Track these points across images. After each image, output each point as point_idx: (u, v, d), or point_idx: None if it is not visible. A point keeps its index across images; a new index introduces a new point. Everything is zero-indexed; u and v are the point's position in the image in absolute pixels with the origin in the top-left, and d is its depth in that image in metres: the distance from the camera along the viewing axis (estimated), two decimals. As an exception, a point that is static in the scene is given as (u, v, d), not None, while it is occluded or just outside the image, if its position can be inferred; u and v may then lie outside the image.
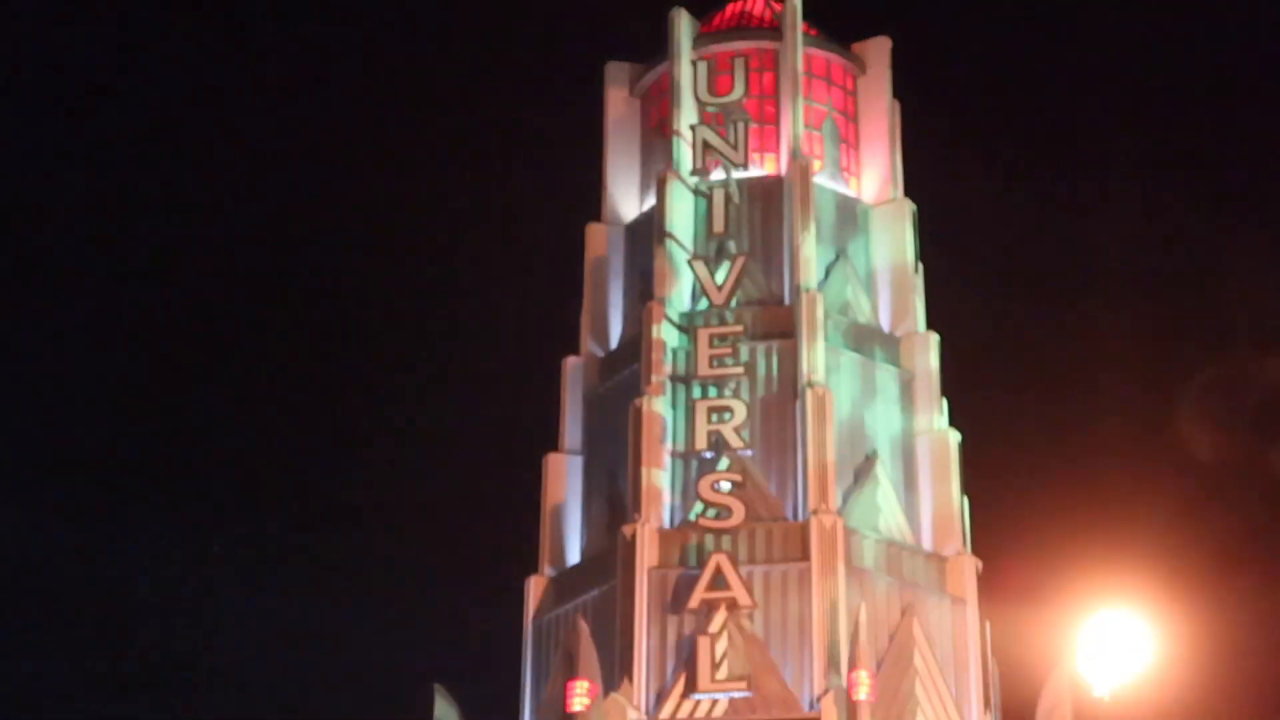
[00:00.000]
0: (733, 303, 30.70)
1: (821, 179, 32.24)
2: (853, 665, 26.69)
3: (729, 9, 34.59)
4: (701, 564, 28.11)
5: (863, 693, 26.23)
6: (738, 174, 31.96)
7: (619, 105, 34.55)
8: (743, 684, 27.28)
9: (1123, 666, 18.89)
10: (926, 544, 29.86)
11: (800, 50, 32.76)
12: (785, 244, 31.26)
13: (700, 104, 32.64)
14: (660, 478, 29.18)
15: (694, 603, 27.80)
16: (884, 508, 29.79)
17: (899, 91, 34.26)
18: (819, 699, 26.66)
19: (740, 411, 29.49)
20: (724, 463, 29.16)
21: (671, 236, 31.38)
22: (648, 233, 32.22)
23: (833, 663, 27.02)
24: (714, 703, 27.30)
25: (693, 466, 29.39)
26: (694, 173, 32.05)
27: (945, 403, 31.20)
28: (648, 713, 27.22)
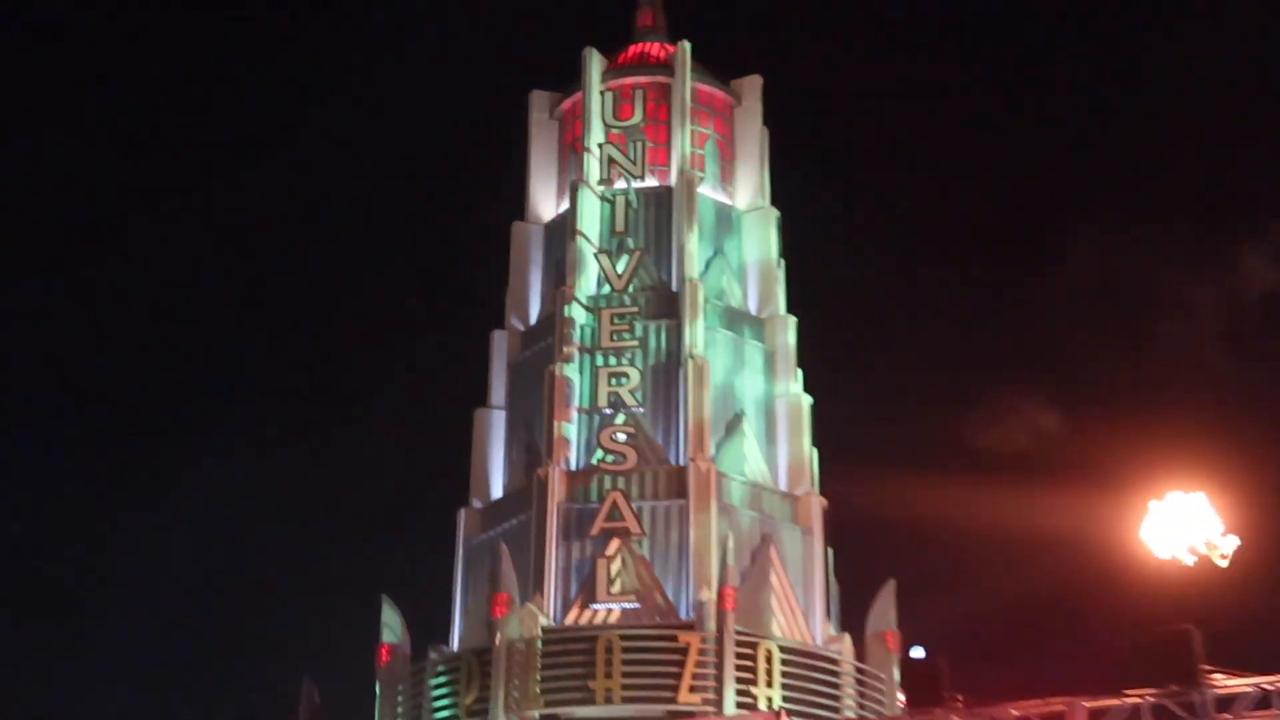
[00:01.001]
0: (630, 289, 30.98)
1: (704, 189, 32.48)
2: (721, 582, 27.00)
3: (631, 49, 34.65)
4: (601, 500, 28.43)
5: (729, 604, 26.58)
6: (636, 184, 32.21)
7: (541, 126, 34.62)
8: (633, 597, 27.66)
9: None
10: (783, 485, 30.26)
11: (689, 85, 32.93)
12: (674, 242, 31.51)
13: (607, 126, 32.85)
14: (568, 430, 29.45)
15: (594, 531, 28.15)
16: (749, 456, 30.16)
17: (768, 119, 34.51)
18: (694, 609, 27.03)
19: (634, 377, 29.81)
20: (620, 418, 29.50)
21: (581, 234, 31.61)
22: (562, 230, 32.43)
23: (705, 580, 27.31)
24: (609, 612, 27.63)
25: (595, 421, 29.64)
26: (601, 182, 32.31)
27: (800, 373, 31.58)
28: (555, 620, 27.48)
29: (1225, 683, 16.93)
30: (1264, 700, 16.76)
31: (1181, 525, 18.06)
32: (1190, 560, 17.98)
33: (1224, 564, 17.86)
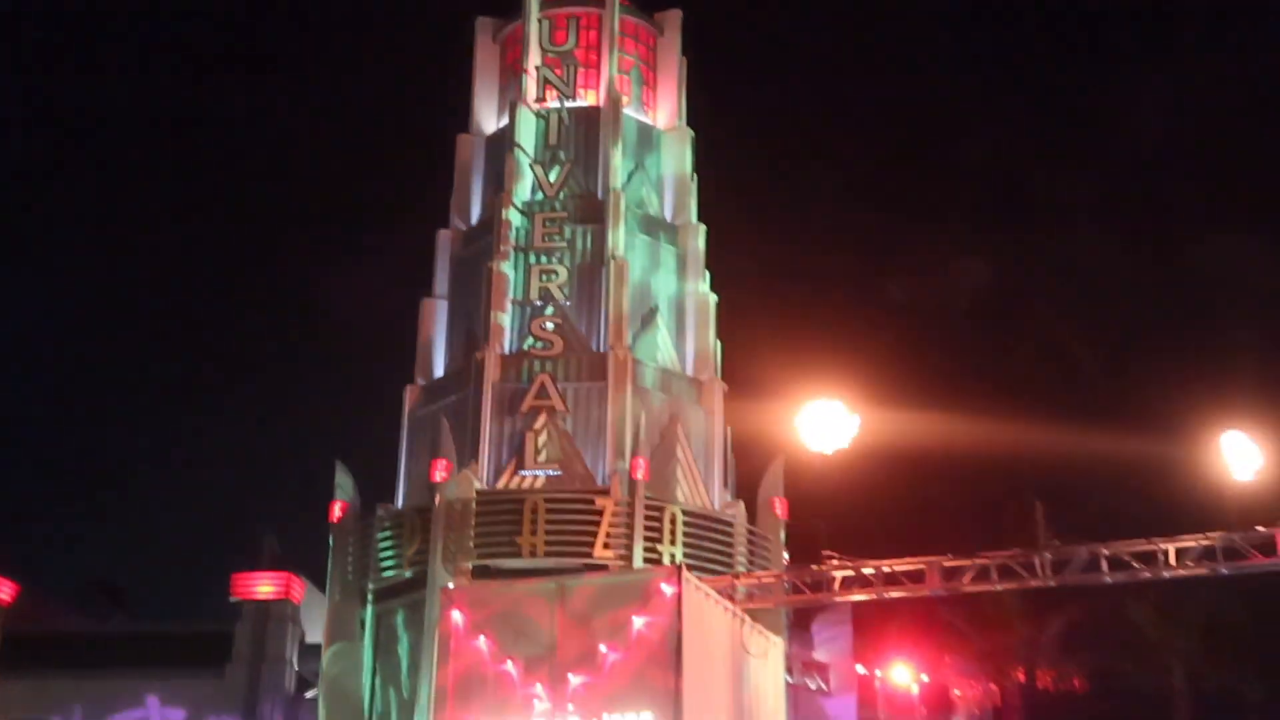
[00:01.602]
0: (560, 196, 30.95)
1: (628, 110, 32.38)
2: (634, 454, 27.32)
3: (567, -18, 34.41)
4: (530, 381, 28.57)
5: (640, 473, 26.91)
6: (568, 104, 32.04)
7: (485, 49, 34.28)
8: (556, 465, 27.92)
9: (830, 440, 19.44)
10: (689, 372, 30.54)
11: (616, 16, 32.65)
12: (600, 156, 31.43)
13: (543, 51, 32.58)
14: (503, 319, 29.46)
15: (524, 408, 28.31)
16: (660, 346, 30.39)
17: (686, 49, 34.40)
18: (609, 477, 27.35)
19: (563, 274, 29.87)
20: (549, 310, 29.57)
21: (519, 146, 31.44)
22: (502, 143, 32.26)
23: (619, 452, 27.62)
24: (535, 478, 27.89)
25: (527, 312, 29.69)
26: (537, 101, 32.13)
27: (708, 274, 31.72)
28: (488, 484, 27.68)
29: (1061, 549, 17.38)
30: (1093, 563, 17.23)
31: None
32: None
33: None
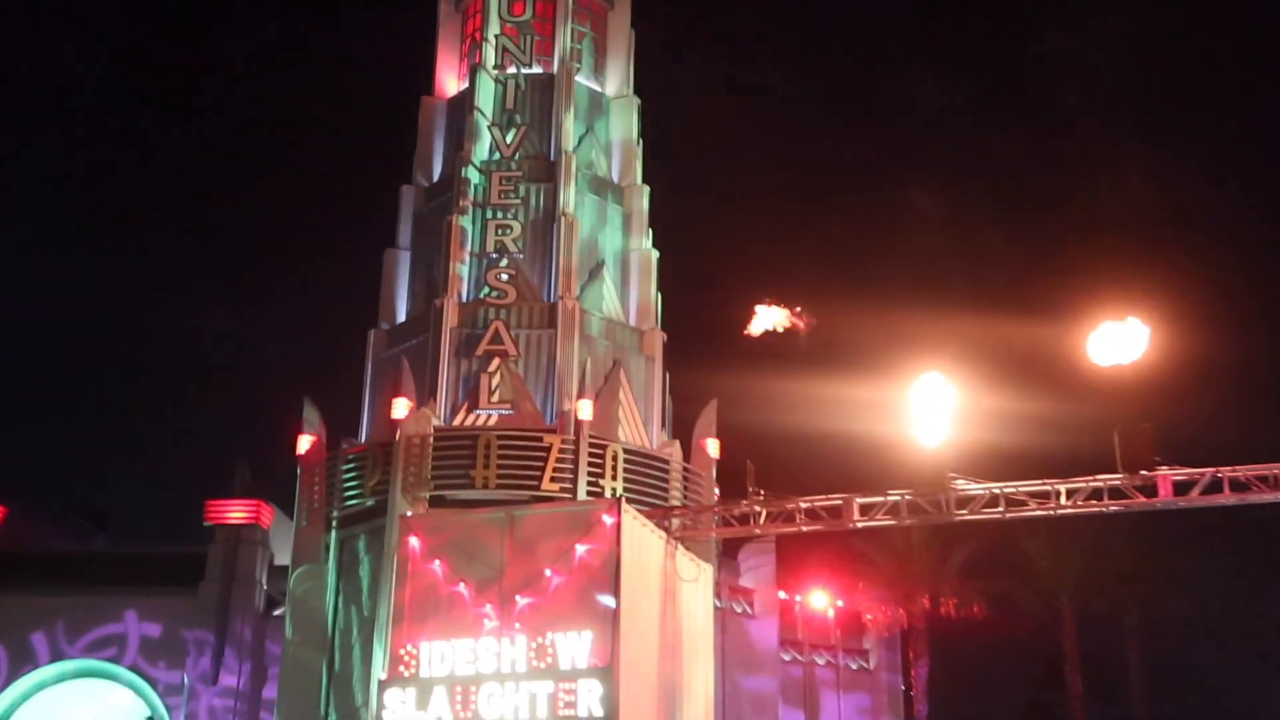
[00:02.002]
0: (516, 157, 30.78)
1: (580, 78, 32.21)
2: (579, 396, 27.37)
3: (526, -43, 34.08)
4: (485, 327, 28.51)
5: (585, 413, 26.97)
6: (525, 70, 31.78)
7: (447, 16, 33.91)
8: (508, 405, 27.88)
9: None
10: (632, 322, 30.58)
11: (571, -11, 32.64)
12: (553, 120, 31.30)
13: (502, 20, 32.29)
14: (461, 269, 29.38)
15: (479, 352, 28.26)
16: (606, 297, 30.38)
17: (635, 22, 34.18)
18: (557, 417, 27.40)
19: (517, 229, 29.74)
20: (504, 262, 29.46)
21: (478, 109, 31.24)
22: (462, 105, 32.00)
23: (566, 394, 27.67)
24: (489, 417, 27.84)
25: (483, 263, 29.59)
26: (495, 67, 31.78)
27: (651, 231, 31.71)
28: (445, 421, 27.66)
29: (965, 488, 17.58)
30: (992, 501, 17.46)
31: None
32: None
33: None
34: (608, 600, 16.25)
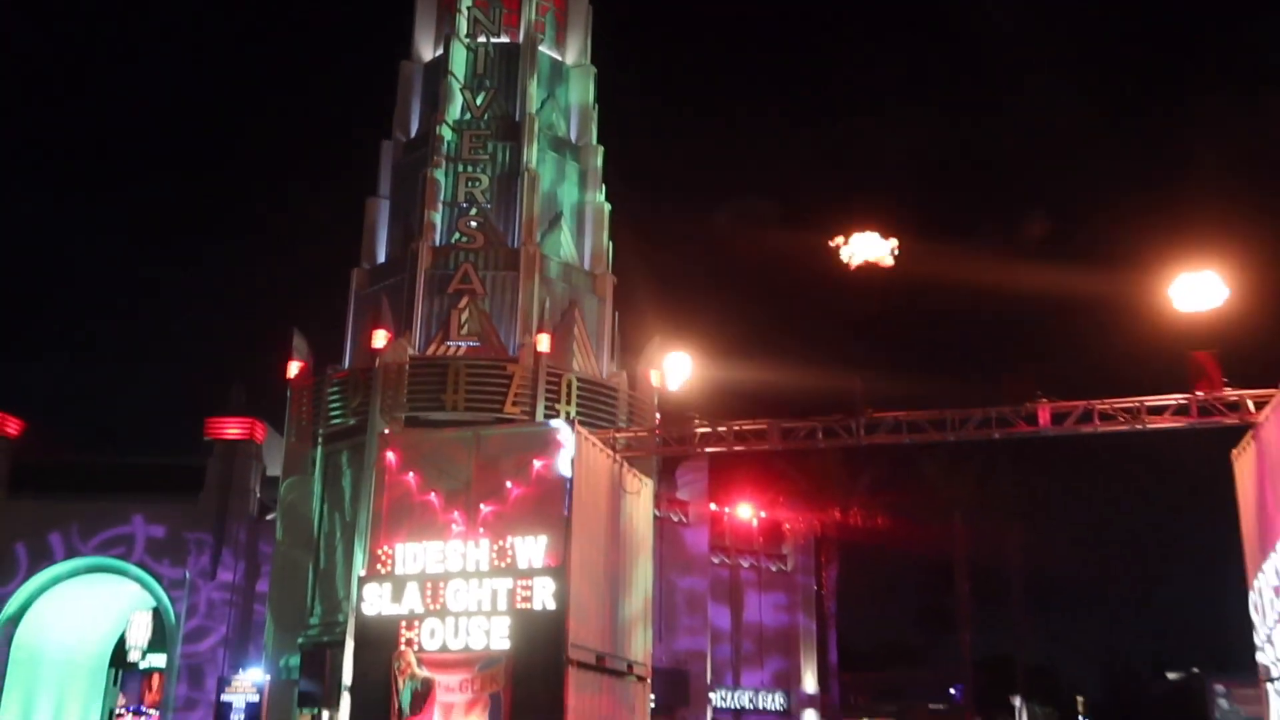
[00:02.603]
0: (485, 117, 30.47)
1: (543, 48, 31.77)
2: (539, 331, 27.33)
3: (496, -63, 33.43)
4: (456, 269, 28.39)
5: (543, 346, 26.94)
6: (494, 40, 31.42)
7: (426, -12, 33.39)
8: (475, 338, 27.81)
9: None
10: (586, 266, 30.45)
11: (536, -33, 32.09)
12: (519, 84, 30.91)
13: (474, -7, 31.91)
14: (435, 217, 29.08)
15: (450, 290, 28.16)
16: (564, 244, 30.20)
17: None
18: (519, 348, 27.34)
19: (485, 181, 29.53)
20: (473, 211, 29.24)
21: (452, 74, 30.79)
22: (438, 70, 31.48)
23: (527, 329, 27.63)
24: (459, 348, 27.75)
25: (455, 212, 29.36)
26: (467, 36, 31.34)
27: (604, 186, 31.50)
28: (419, 351, 27.52)
29: (872, 415, 17.72)
30: (896, 428, 17.63)
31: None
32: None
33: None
34: (560, 509, 16.32)
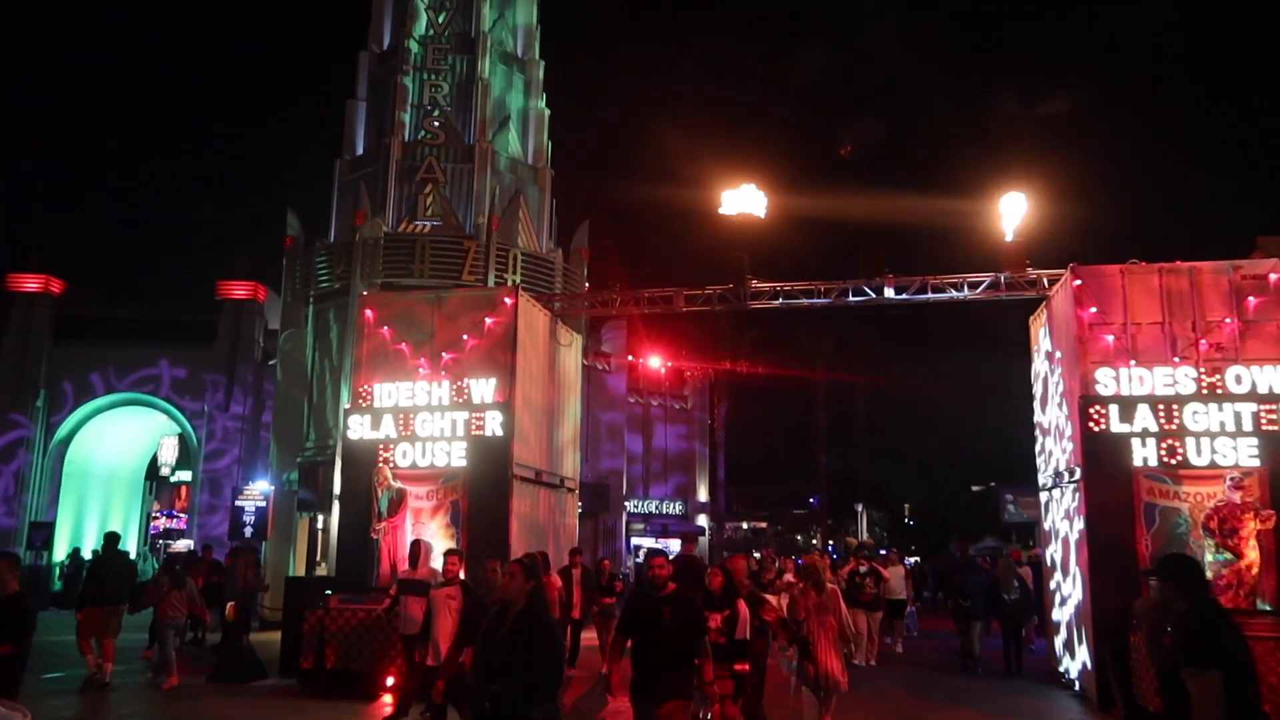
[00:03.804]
0: (446, 33, 28.99)
1: (494, -24, 30.23)
2: (490, 215, 26.70)
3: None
4: (422, 161, 27.39)
5: (494, 226, 26.38)
6: (453, -33, 29.80)
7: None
8: (438, 219, 27.06)
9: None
10: (530, 161, 29.55)
11: (488, -94, 30.19)
12: (474, 6, 29.44)
13: (436, -73, 29.97)
14: (404, 117, 27.86)
15: (417, 178, 27.23)
16: (511, 143, 29.21)
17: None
18: (473, 229, 26.73)
19: (445, 89, 28.27)
20: (436, 112, 28.06)
21: (417, -5, 29.26)
22: (405, -8, 29.86)
23: (480, 212, 26.98)
24: (424, 226, 27.01)
25: (420, 113, 28.14)
26: (430, -37, 29.69)
27: (545, 94, 30.43)
28: (392, 229, 26.77)
29: (757, 285, 17.68)
30: (774, 295, 17.62)
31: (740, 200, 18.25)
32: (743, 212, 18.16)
33: (762, 215, 18.27)
34: (507, 357, 16.23)
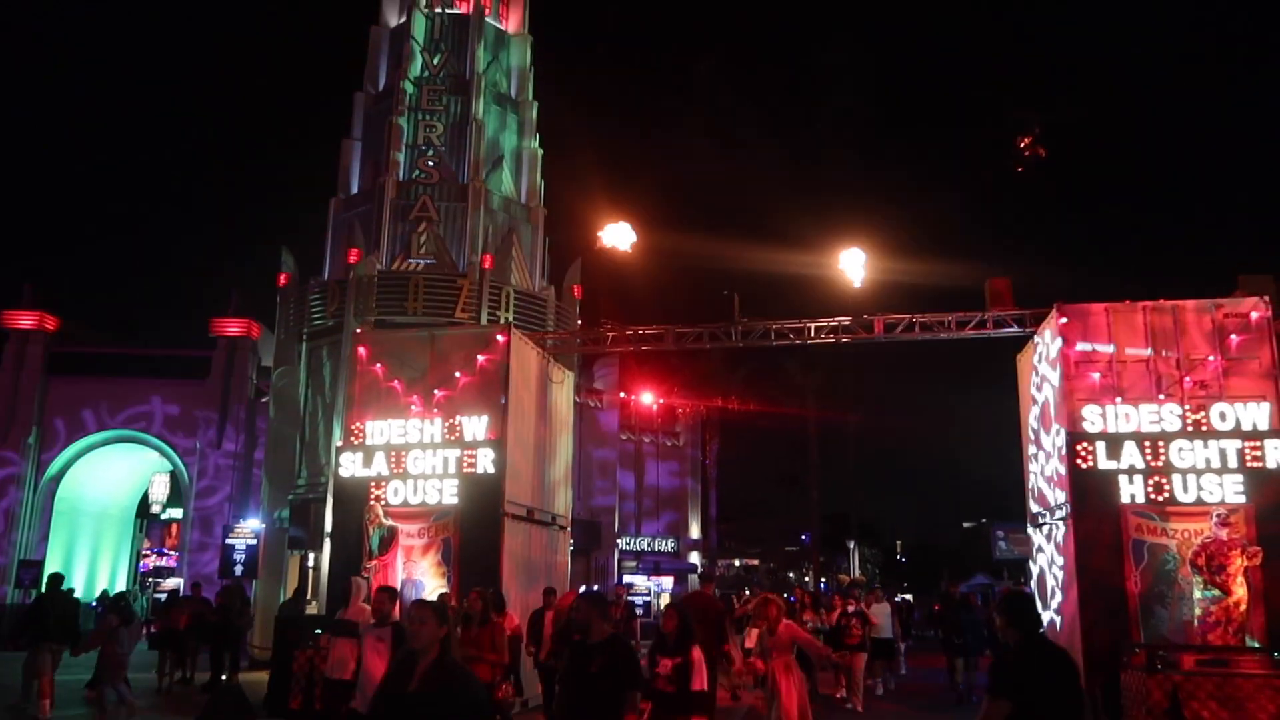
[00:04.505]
0: (440, 75, 29.35)
1: (488, 19, 30.58)
2: (483, 253, 26.83)
3: (450, -76, 31.86)
4: (416, 199, 27.55)
5: (487, 264, 26.49)
6: (448, 10, 30.21)
7: (391, -34, 31.78)
8: (431, 257, 27.20)
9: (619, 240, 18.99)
10: (523, 200, 29.78)
11: (483, -49, 30.73)
12: (468, 49, 29.80)
13: (432, -29, 30.48)
14: (399, 156, 28.07)
15: (410, 217, 27.39)
16: (504, 182, 29.49)
17: (530, -20, 32.55)
18: (467, 266, 26.83)
19: (440, 128, 28.54)
20: (430, 152, 28.32)
21: (413, 38, 29.53)
22: (401, 34, 30.15)
23: (474, 250, 27.11)
24: (418, 264, 27.13)
25: (415, 152, 28.37)
26: (426, 6, 30.08)
27: (539, 135, 30.74)
28: (386, 266, 26.88)
29: (746, 322, 17.72)
30: (765, 334, 17.65)
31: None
32: None
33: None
34: (499, 394, 16.24)
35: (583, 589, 6.21)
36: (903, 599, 33.66)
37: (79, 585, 30.94)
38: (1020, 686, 4.42)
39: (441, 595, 11.37)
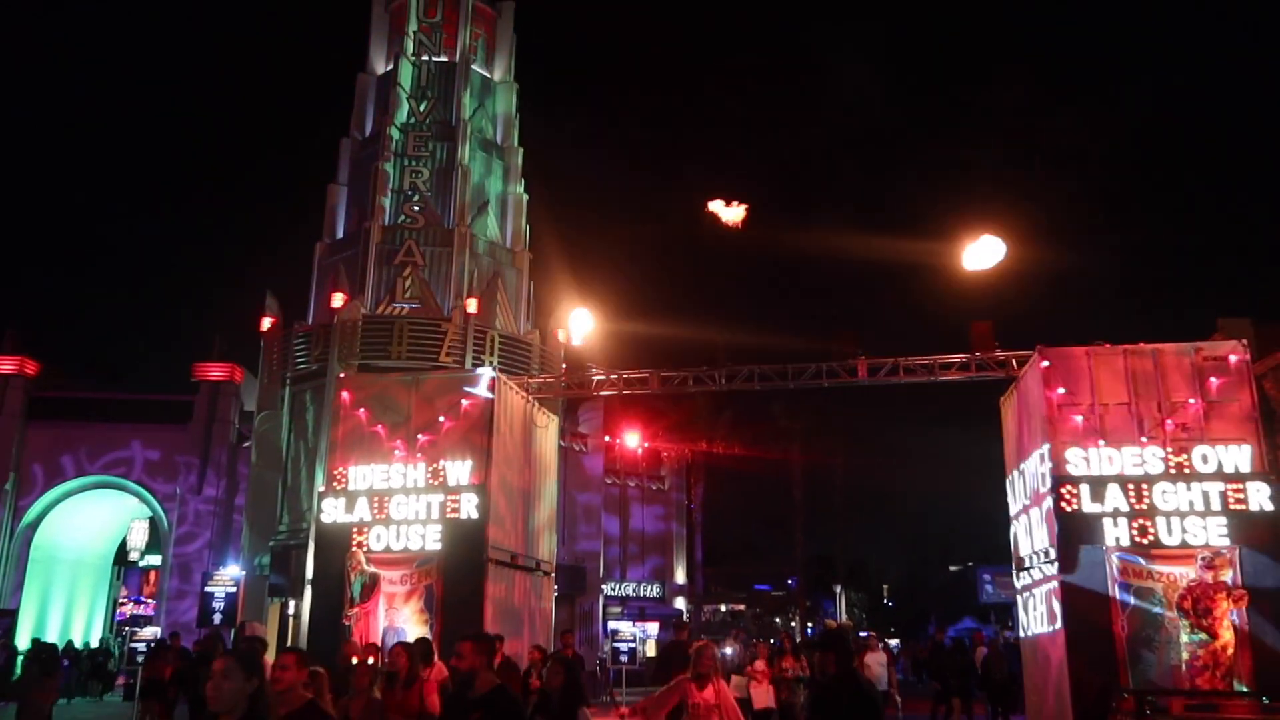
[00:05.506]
0: (427, 121, 29.65)
1: (475, 67, 31.00)
2: (468, 296, 26.87)
3: (437, -25, 32.45)
4: (401, 244, 27.69)
5: (471, 309, 26.50)
6: (435, 59, 30.55)
7: (378, 17, 32.11)
8: (416, 301, 27.21)
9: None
10: (508, 245, 29.94)
11: (471, 1, 31.18)
12: (454, 96, 30.12)
13: (419, 20, 30.82)
14: (385, 201, 28.25)
15: (395, 261, 27.48)
16: (490, 226, 29.65)
17: (516, 28, 32.89)
18: (452, 310, 26.83)
19: (426, 174, 28.76)
20: (416, 197, 28.49)
21: (400, 85, 29.87)
22: (389, 82, 30.48)
23: (458, 294, 27.15)
24: (403, 309, 27.14)
25: (400, 198, 28.56)
26: (414, 54, 30.42)
27: (524, 180, 30.97)
28: (370, 310, 26.85)
29: (731, 365, 17.73)
30: (749, 377, 17.63)
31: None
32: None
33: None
34: (483, 439, 16.12)
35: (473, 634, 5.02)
36: (889, 645, 33.37)
37: (54, 634, 30.29)
38: (834, 714, 5.28)
39: (420, 639, 10.95)
